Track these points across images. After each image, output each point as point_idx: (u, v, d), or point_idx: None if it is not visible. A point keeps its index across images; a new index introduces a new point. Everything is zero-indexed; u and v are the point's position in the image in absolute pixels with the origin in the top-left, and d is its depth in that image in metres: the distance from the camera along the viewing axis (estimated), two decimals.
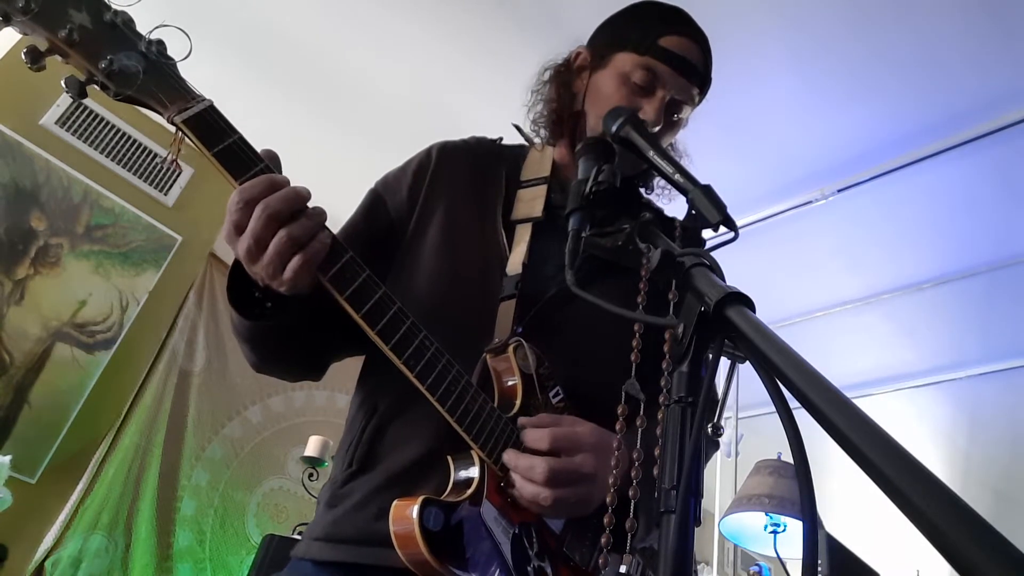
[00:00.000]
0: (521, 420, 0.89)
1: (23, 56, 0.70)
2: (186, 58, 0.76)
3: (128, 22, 0.73)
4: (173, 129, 0.75)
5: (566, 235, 1.04)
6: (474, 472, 0.85)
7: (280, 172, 0.78)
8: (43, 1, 0.67)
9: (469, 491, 0.84)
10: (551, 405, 0.96)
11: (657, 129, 1.04)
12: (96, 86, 0.72)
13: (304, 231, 0.75)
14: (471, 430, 0.84)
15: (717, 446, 1.12)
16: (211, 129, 0.74)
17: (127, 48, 0.72)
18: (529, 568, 0.86)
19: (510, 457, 0.86)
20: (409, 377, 0.81)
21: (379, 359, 0.98)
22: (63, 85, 0.72)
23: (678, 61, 1.06)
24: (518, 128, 1.15)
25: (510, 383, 0.93)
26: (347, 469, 0.94)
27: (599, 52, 1.11)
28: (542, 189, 1.06)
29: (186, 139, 0.75)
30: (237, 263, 0.81)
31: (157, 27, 0.74)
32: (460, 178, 1.08)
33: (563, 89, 1.12)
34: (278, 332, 0.87)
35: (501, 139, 1.17)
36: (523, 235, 1.02)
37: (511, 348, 0.93)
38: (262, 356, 0.93)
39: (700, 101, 1.16)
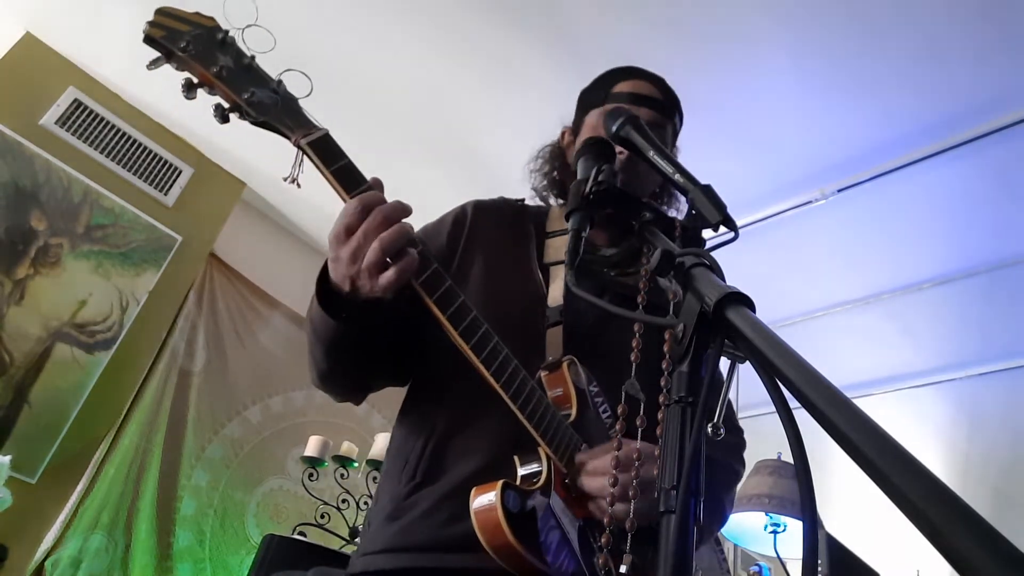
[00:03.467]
0: (579, 457, 0.95)
1: (181, 88, 0.86)
2: (307, 96, 0.91)
3: (258, 67, 0.89)
4: (298, 153, 0.88)
5: (594, 273, 1.16)
6: (541, 467, 0.92)
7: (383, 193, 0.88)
8: (198, 44, 0.85)
9: (539, 483, 0.90)
10: (600, 419, 1.04)
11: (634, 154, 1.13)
12: (238, 114, 0.87)
13: (404, 236, 0.84)
14: (539, 427, 0.91)
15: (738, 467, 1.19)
16: (329, 151, 0.87)
17: (261, 85, 0.87)
18: (595, 560, 0.92)
19: (582, 481, 0.93)
20: (484, 374, 0.88)
21: (428, 385, 1.10)
22: (212, 111, 0.86)
23: (632, 97, 1.19)
24: (538, 194, 1.29)
25: (563, 395, 1.01)
26: (410, 482, 0.98)
27: (576, 124, 1.28)
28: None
29: (307, 159, 0.88)
30: (324, 269, 0.89)
31: (285, 71, 0.91)
32: (495, 229, 1.21)
33: (559, 162, 1.28)
34: (355, 339, 0.94)
35: (524, 200, 1.31)
36: (558, 275, 1.13)
37: (565, 365, 1.02)
38: (334, 361, 0.98)
39: (678, 126, 1.29)
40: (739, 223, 0.70)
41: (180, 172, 3.41)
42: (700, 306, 0.55)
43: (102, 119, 3.18)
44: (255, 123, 0.86)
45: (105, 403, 2.97)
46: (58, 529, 2.72)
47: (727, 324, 0.52)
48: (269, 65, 0.89)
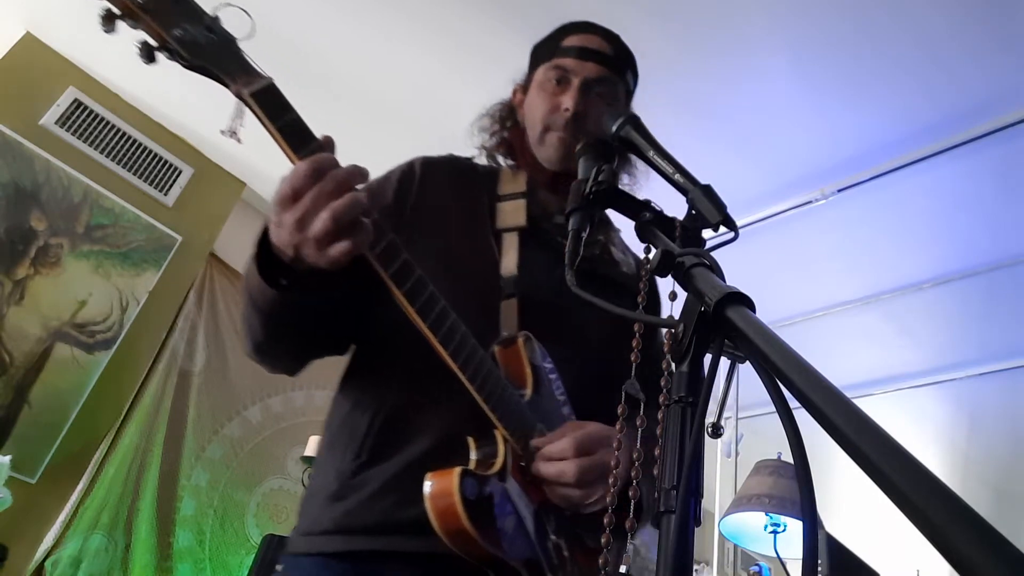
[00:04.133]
0: (535, 442, 0.93)
1: (99, 18, 0.74)
2: (249, 37, 0.80)
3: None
4: (238, 104, 0.78)
5: (549, 243, 1.12)
6: (497, 451, 0.89)
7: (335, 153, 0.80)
8: None
9: (495, 467, 0.87)
10: (555, 399, 1.01)
11: (582, 108, 1.11)
12: (167, 53, 0.76)
13: (359, 205, 0.77)
14: (496, 410, 0.88)
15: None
16: (275, 104, 0.77)
17: (195, 21, 0.76)
18: (548, 544, 0.91)
19: (539, 467, 0.91)
20: (441, 354, 0.84)
21: (375, 356, 1.03)
22: (136, 48, 0.75)
23: (580, 51, 1.14)
24: (490, 154, 1.23)
25: (518, 373, 0.97)
26: (356, 460, 0.94)
27: (526, 81, 1.23)
28: (522, 203, 1.13)
29: (248, 112, 0.78)
30: (264, 235, 0.82)
31: (222, 5, 0.78)
32: (445, 191, 1.13)
33: (510, 122, 1.23)
34: (297, 309, 0.88)
35: (473, 158, 1.23)
36: (511, 242, 1.08)
37: (520, 341, 0.98)
38: (271, 334, 0.92)
39: (632, 85, 1.23)
40: (739, 223, 0.70)
41: (180, 172, 3.41)
42: (700, 306, 0.55)
43: (102, 119, 3.18)
44: (188, 66, 0.76)
45: (105, 403, 2.97)
46: (58, 529, 2.72)
47: (727, 324, 0.52)
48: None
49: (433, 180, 1.14)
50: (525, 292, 1.02)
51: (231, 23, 0.79)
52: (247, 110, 0.78)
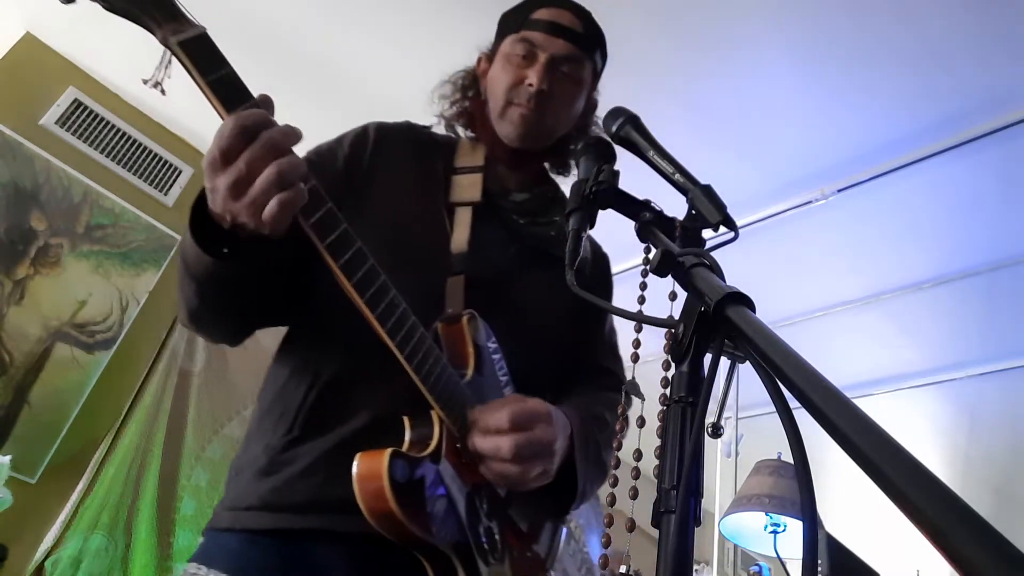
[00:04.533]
0: (472, 414, 0.90)
1: None
2: None
3: None
4: (165, 53, 0.72)
5: (504, 220, 1.10)
6: (433, 432, 0.86)
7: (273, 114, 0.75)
8: None
9: (429, 448, 0.85)
10: (497, 380, 1.00)
11: (546, 85, 1.08)
12: None
13: (296, 170, 0.72)
14: (434, 391, 0.85)
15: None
16: (207, 56, 0.71)
17: None
18: (480, 528, 0.89)
19: (475, 441, 0.88)
20: (378, 330, 0.80)
21: (312, 328, 1.00)
22: None
23: (550, 26, 1.10)
24: (448, 123, 1.19)
25: (461, 353, 0.95)
26: (288, 435, 0.91)
27: (492, 50, 1.19)
28: (478, 177, 1.10)
29: (176, 63, 0.71)
30: (201, 199, 0.77)
31: None
32: (399, 158, 1.10)
33: (473, 91, 1.19)
34: (234, 278, 0.83)
35: (431, 127, 1.20)
36: (463, 217, 1.04)
37: (465, 319, 0.96)
38: (205, 303, 0.88)
39: (600, 65, 1.20)
40: (739, 223, 0.70)
41: (180, 172, 3.41)
42: (700, 306, 0.55)
43: (102, 119, 3.18)
44: (107, 7, 0.69)
45: (105, 403, 2.96)
46: (58, 529, 2.72)
47: (727, 324, 0.52)
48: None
49: (387, 147, 1.10)
50: (473, 270, 0.99)
51: None
52: (175, 62, 0.71)
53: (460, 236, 1.02)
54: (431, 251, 1.01)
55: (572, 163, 1.21)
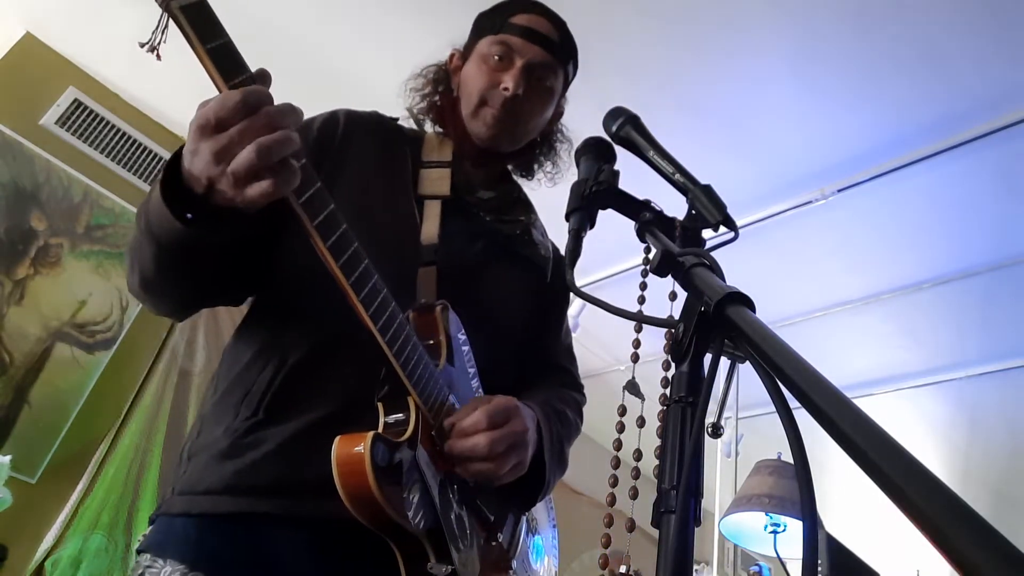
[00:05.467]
0: (448, 421, 0.91)
1: None
2: None
3: None
4: (164, 17, 0.69)
5: (470, 215, 1.12)
6: (408, 418, 0.86)
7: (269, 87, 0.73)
8: None
9: (406, 434, 0.84)
10: (466, 370, 1.01)
11: (521, 91, 1.09)
12: None
13: (290, 144, 0.69)
14: (411, 377, 0.85)
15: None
16: (206, 22, 0.69)
17: None
18: (452, 515, 0.89)
19: (452, 444, 0.89)
20: (360, 313, 0.79)
21: (277, 308, 0.99)
22: None
23: (528, 32, 1.12)
24: (413, 116, 1.20)
25: (433, 342, 0.96)
26: (252, 418, 0.89)
27: (466, 48, 1.20)
28: (446, 171, 1.11)
29: (173, 27, 0.69)
30: (174, 163, 0.74)
31: None
32: (368, 147, 1.09)
33: (443, 86, 1.19)
34: (199, 247, 0.79)
35: (399, 119, 1.20)
36: (432, 210, 1.05)
37: (439, 310, 0.96)
38: (163, 271, 0.84)
39: (571, 75, 1.22)
40: (739, 223, 0.70)
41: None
42: (700, 306, 0.55)
43: (102, 119, 3.18)
44: None
45: (105, 403, 2.96)
46: (58, 529, 2.72)
47: (727, 324, 0.52)
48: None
49: (356, 135, 1.09)
50: (444, 261, 1.00)
51: None
52: (173, 27, 0.69)
53: (430, 228, 1.03)
54: (401, 240, 1.01)
55: (535, 167, 1.24)
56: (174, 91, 3.13)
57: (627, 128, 0.83)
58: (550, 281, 1.20)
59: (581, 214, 0.76)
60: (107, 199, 3.14)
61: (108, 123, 3.20)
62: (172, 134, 3.41)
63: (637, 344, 0.89)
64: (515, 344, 1.13)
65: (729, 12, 2.34)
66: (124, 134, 3.24)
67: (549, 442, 1.02)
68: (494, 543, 0.99)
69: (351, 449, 0.76)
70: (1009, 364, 3.38)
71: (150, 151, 3.31)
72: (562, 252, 1.28)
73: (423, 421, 0.87)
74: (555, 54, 1.14)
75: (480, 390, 1.04)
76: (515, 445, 0.91)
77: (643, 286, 0.87)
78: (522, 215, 1.19)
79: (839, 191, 2.78)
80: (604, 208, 0.78)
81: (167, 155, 3.35)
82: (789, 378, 0.44)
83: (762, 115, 2.65)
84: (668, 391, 0.58)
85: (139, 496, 2.98)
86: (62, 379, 2.86)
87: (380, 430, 0.85)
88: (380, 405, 0.87)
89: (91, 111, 3.15)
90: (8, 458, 2.42)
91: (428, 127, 1.19)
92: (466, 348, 1.02)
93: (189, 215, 0.76)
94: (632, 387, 0.87)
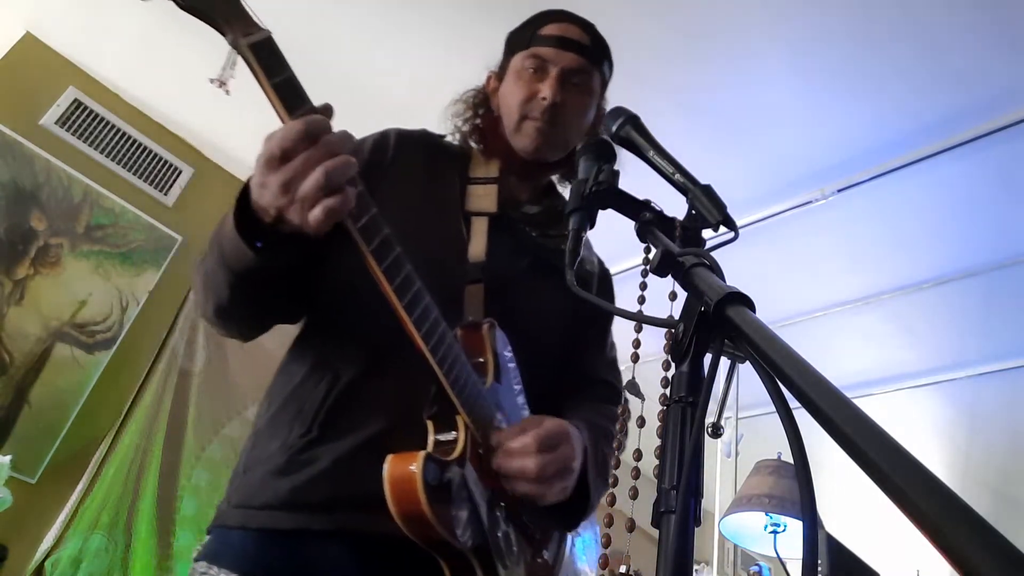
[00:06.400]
0: (496, 437, 0.93)
1: None
2: None
3: None
4: (231, 54, 0.74)
5: (516, 231, 1.12)
6: (458, 436, 0.88)
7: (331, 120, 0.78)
8: None
9: (455, 453, 0.86)
10: (513, 389, 1.02)
11: (559, 98, 1.11)
12: None
13: (346, 172, 0.73)
14: (460, 395, 0.87)
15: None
16: (272, 59, 0.73)
17: None
18: (499, 532, 0.90)
19: (500, 461, 0.91)
20: (413, 335, 0.82)
21: (329, 326, 1.02)
22: None
23: (558, 41, 1.14)
24: (461, 134, 1.21)
25: (481, 360, 0.97)
26: (306, 435, 0.91)
27: (501, 68, 1.22)
28: (493, 188, 1.12)
29: (241, 63, 0.74)
30: (243, 199, 0.79)
31: None
32: (417, 166, 1.12)
33: (483, 109, 1.22)
34: (271, 273, 0.85)
35: (445, 137, 1.23)
36: (479, 227, 1.07)
37: (486, 328, 0.98)
38: (239, 294, 0.89)
39: (607, 75, 1.23)
40: (739, 223, 0.70)
41: (180, 172, 3.41)
42: (700, 306, 0.55)
43: (102, 119, 3.18)
44: (182, 6, 0.71)
45: (105, 403, 2.96)
46: (58, 529, 2.72)
47: (727, 324, 0.52)
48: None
49: (406, 153, 1.12)
50: (491, 278, 1.02)
51: None
52: (240, 61, 0.73)
53: (477, 245, 1.04)
54: (450, 258, 1.03)
55: None
56: (174, 91, 3.13)
57: (627, 128, 0.83)
58: (596, 294, 1.20)
59: (581, 214, 0.76)
60: (107, 199, 3.14)
61: (108, 123, 3.20)
62: (172, 134, 3.41)
63: (637, 344, 0.89)
64: (559, 359, 1.13)
65: (729, 12, 2.34)
66: (124, 134, 3.24)
67: (594, 465, 1.02)
68: (540, 560, 1.01)
69: (403, 469, 0.79)
70: (1009, 364, 3.38)
71: (150, 151, 3.31)
72: (607, 266, 1.30)
73: (471, 439, 0.89)
74: (588, 57, 1.15)
75: (526, 407, 1.05)
76: (562, 471, 0.92)
77: (643, 286, 0.87)
78: (567, 229, 1.20)
79: (839, 191, 2.78)
80: (604, 208, 0.78)
81: (167, 155, 3.36)
82: (789, 378, 0.44)
83: (762, 115, 2.65)
84: (668, 391, 0.58)
85: (139, 496, 2.98)
86: (62, 379, 2.86)
87: (430, 449, 0.87)
88: (430, 423, 0.89)
89: (91, 111, 3.15)
90: (8, 458, 2.42)
91: (473, 145, 1.21)
92: (512, 365, 1.02)
93: (258, 243, 0.81)
94: (632, 387, 0.87)
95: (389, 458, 0.79)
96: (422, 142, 1.17)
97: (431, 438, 0.88)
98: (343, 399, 0.93)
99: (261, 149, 0.75)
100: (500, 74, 1.21)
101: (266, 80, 0.72)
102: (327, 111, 0.76)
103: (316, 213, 0.72)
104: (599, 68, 1.18)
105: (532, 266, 1.11)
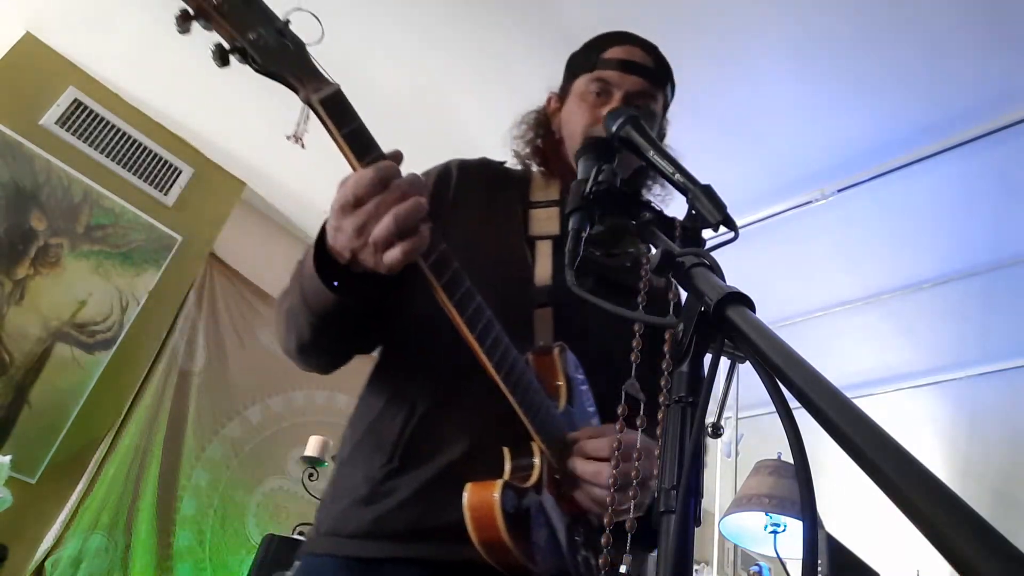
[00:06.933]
0: (572, 435, 0.93)
1: (175, 20, 0.73)
2: (318, 42, 0.79)
3: (262, 1, 0.76)
4: (304, 110, 0.78)
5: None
6: (534, 463, 0.90)
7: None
8: None
9: (532, 480, 0.88)
10: (586, 412, 1.02)
11: None
12: (239, 56, 0.75)
13: (418, 213, 0.77)
14: (534, 422, 0.89)
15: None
16: (342, 111, 0.77)
17: (267, 25, 0.76)
18: (579, 557, 0.91)
19: (576, 464, 0.91)
20: (486, 366, 0.84)
21: (404, 357, 1.04)
22: (210, 51, 0.74)
23: (623, 64, 1.14)
24: (523, 159, 1.22)
25: (553, 384, 0.98)
26: (387, 465, 0.94)
27: (563, 90, 1.22)
28: (555, 211, 1.13)
29: (313, 117, 0.78)
30: (320, 242, 0.82)
31: (293, 10, 0.79)
32: (480, 194, 1.14)
33: (544, 130, 1.22)
34: (348, 311, 0.88)
35: (505, 163, 1.24)
36: (544, 250, 1.08)
37: (556, 351, 0.99)
38: (320, 332, 0.93)
39: (669, 97, 1.23)
40: (739, 223, 0.70)
41: (180, 172, 3.41)
42: (700, 306, 0.55)
43: (102, 119, 3.18)
44: (259, 70, 0.75)
45: (105, 403, 2.97)
46: (58, 529, 2.72)
47: (727, 324, 0.52)
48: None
49: (468, 184, 1.14)
50: (558, 302, 1.02)
51: (298, 27, 0.80)
52: (311, 115, 0.78)
53: (543, 269, 1.05)
54: (516, 284, 1.04)
55: (644, 192, 1.24)
56: (174, 91, 3.13)
57: (627, 128, 0.83)
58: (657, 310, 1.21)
59: (581, 214, 0.76)
60: (107, 199, 3.14)
61: (108, 123, 3.20)
62: (172, 134, 3.41)
63: (638, 344, 0.89)
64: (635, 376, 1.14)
65: (729, 12, 2.34)
66: (124, 134, 3.24)
67: None
68: None
69: (482, 497, 0.82)
70: (1009, 364, 3.38)
71: (150, 151, 3.31)
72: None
73: (547, 464, 0.90)
74: (653, 80, 1.15)
75: None
76: (644, 487, 0.92)
77: (644, 285, 0.88)
78: (631, 246, 1.20)
79: (839, 191, 2.78)
80: (604, 208, 0.77)
81: (167, 155, 3.36)
82: (789, 378, 0.44)
83: (762, 115, 2.65)
84: (668, 391, 0.58)
85: (139, 496, 2.98)
86: (62, 379, 2.86)
87: (507, 476, 0.88)
88: (506, 450, 0.91)
89: (91, 111, 3.15)
90: (8, 458, 2.42)
91: (534, 168, 1.22)
92: (584, 387, 1.03)
93: (335, 283, 0.84)
94: (632, 387, 0.87)
95: (468, 486, 0.82)
96: (483, 171, 1.19)
97: (508, 465, 0.90)
98: (420, 430, 0.95)
99: (335, 195, 0.78)
100: (562, 96, 1.22)
101: (337, 131, 0.76)
102: (396, 157, 0.80)
103: (392, 254, 0.76)
104: (663, 90, 1.18)
105: (596, 286, 1.09)
